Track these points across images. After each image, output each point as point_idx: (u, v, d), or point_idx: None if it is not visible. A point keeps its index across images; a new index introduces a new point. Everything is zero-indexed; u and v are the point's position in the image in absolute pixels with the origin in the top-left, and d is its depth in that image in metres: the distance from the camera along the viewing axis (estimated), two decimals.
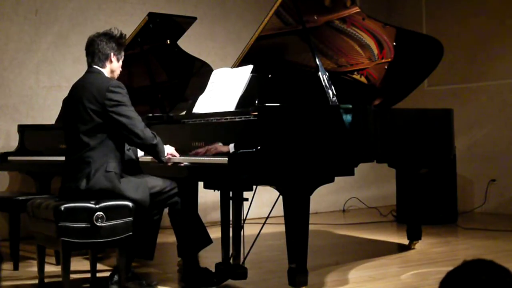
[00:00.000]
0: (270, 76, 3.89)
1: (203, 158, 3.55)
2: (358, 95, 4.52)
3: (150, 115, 4.28)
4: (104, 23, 6.09)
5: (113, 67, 3.64)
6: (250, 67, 3.81)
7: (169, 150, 3.66)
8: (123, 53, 3.71)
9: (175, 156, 3.66)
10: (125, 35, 3.75)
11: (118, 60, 3.67)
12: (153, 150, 3.57)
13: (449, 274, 1.59)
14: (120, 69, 3.72)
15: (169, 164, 3.65)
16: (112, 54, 3.62)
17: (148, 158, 3.87)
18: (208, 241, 4.14)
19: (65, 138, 3.67)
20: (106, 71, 3.62)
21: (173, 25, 4.95)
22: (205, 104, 3.98)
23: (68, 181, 3.51)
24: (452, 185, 6.26)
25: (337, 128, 3.51)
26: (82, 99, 3.51)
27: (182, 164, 3.61)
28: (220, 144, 3.57)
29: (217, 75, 4.07)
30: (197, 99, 4.10)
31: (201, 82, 4.20)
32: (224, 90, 3.88)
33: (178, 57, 5.01)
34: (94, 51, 3.61)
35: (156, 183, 3.63)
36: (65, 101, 4.97)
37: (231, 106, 3.74)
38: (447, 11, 7.27)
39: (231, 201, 3.83)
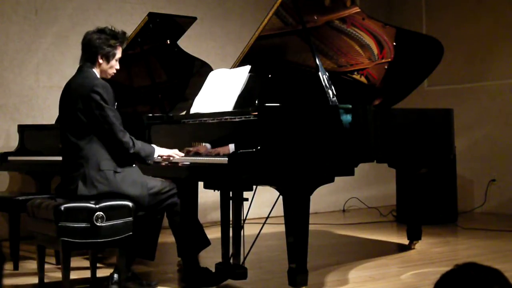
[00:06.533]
0: (270, 76, 3.89)
1: (203, 158, 3.55)
2: (358, 95, 4.52)
3: (150, 115, 4.29)
4: (104, 23, 6.00)
5: (102, 68, 3.56)
6: (247, 67, 3.81)
7: (163, 152, 3.61)
8: (116, 52, 3.58)
9: (173, 157, 3.63)
10: (122, 33, 3.63)
11: (108, 61, 3.55)
12: (136, 157, 3.53)
13: (443, 276, 1.60)
14: (114, 70, 3.61)
15: (164, 164, 3.64)
16: (99, 56, 3.53)
17: None
18: (206, 242, 4.14)
19: (60, 138, 3.65)
20: (97, 71, 3.56)
21: (173, 25, 4.94)
22: (203, 104, 3.97)
23: (65, 183, 3.51)
24: (452, 185, 6.26)
25: (337, 128, 3.51)
26: (69, 100, 3.50)
27: (181, 164, 3.61)
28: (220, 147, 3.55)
29: (213, 76, 4.06)
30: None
31: (201, 82, 4.19)
32: (222, 90, 3.88)
33: (178, 57, 5.00)
34: (86, 49, 3.56)
35: (155, 183, 3.62)
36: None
37: (229, 106, 3.74)
38: (447, 11, 7.27)
39: (231, 201, 3.83)
